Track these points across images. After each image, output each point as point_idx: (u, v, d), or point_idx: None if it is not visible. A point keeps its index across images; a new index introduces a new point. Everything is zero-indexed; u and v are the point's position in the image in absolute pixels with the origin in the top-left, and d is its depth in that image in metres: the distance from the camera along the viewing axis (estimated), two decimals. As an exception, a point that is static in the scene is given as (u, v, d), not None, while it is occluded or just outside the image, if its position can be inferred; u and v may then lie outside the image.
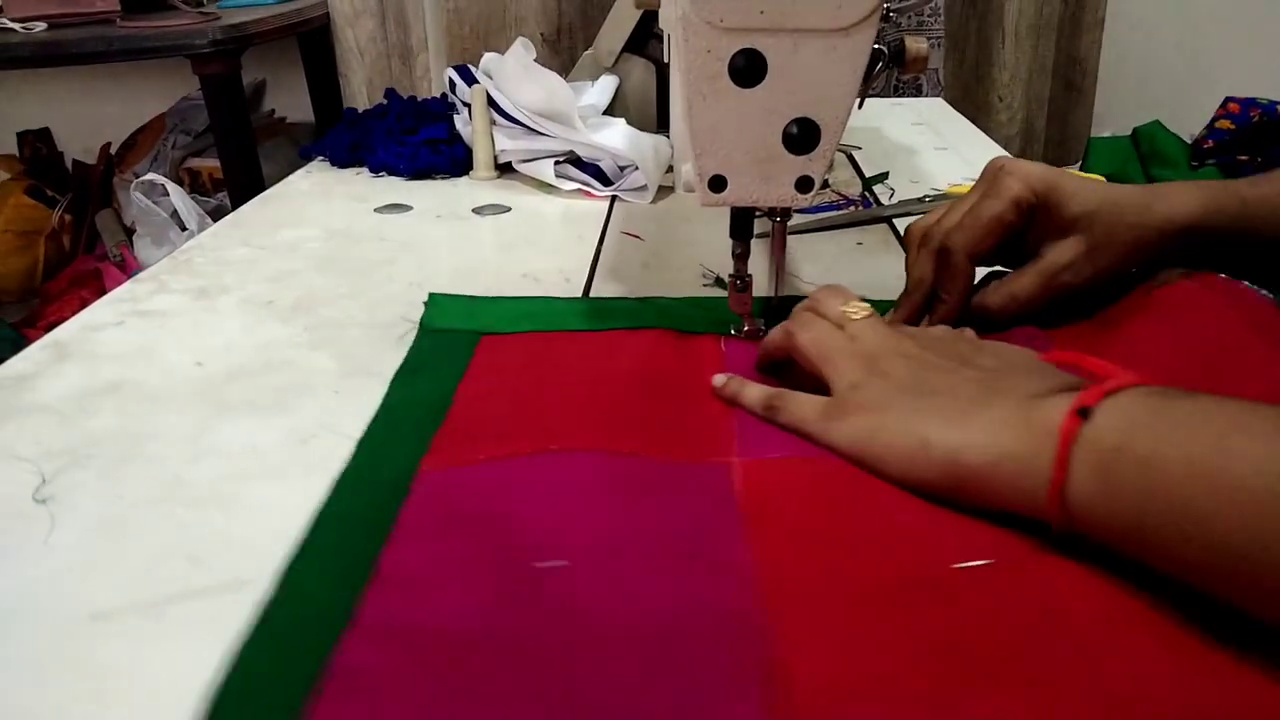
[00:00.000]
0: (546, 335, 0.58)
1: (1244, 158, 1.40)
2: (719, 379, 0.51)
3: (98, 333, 0.60)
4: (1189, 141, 1.51)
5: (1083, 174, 0.53)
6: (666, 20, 0.69)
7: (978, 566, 0.37)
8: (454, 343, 0.57)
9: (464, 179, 0.93)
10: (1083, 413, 0.36)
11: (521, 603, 0.35)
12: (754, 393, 0.49)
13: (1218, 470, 0.32)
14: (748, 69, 0.49)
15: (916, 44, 0.58)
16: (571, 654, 0.33)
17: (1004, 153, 1.02)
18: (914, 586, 0.36)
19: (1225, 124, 1.43)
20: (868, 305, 0.50)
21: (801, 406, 0.47)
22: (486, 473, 0.44)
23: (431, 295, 0.63)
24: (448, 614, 0.35)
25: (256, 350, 0.57)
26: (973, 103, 2.01)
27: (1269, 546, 0.30)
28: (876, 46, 0.54)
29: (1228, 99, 1.45)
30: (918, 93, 1.83)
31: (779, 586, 0.36)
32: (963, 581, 0.36)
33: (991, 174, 0.54)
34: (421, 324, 0.59)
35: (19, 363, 0.56)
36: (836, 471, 0.44)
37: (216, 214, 1.82)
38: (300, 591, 0.37)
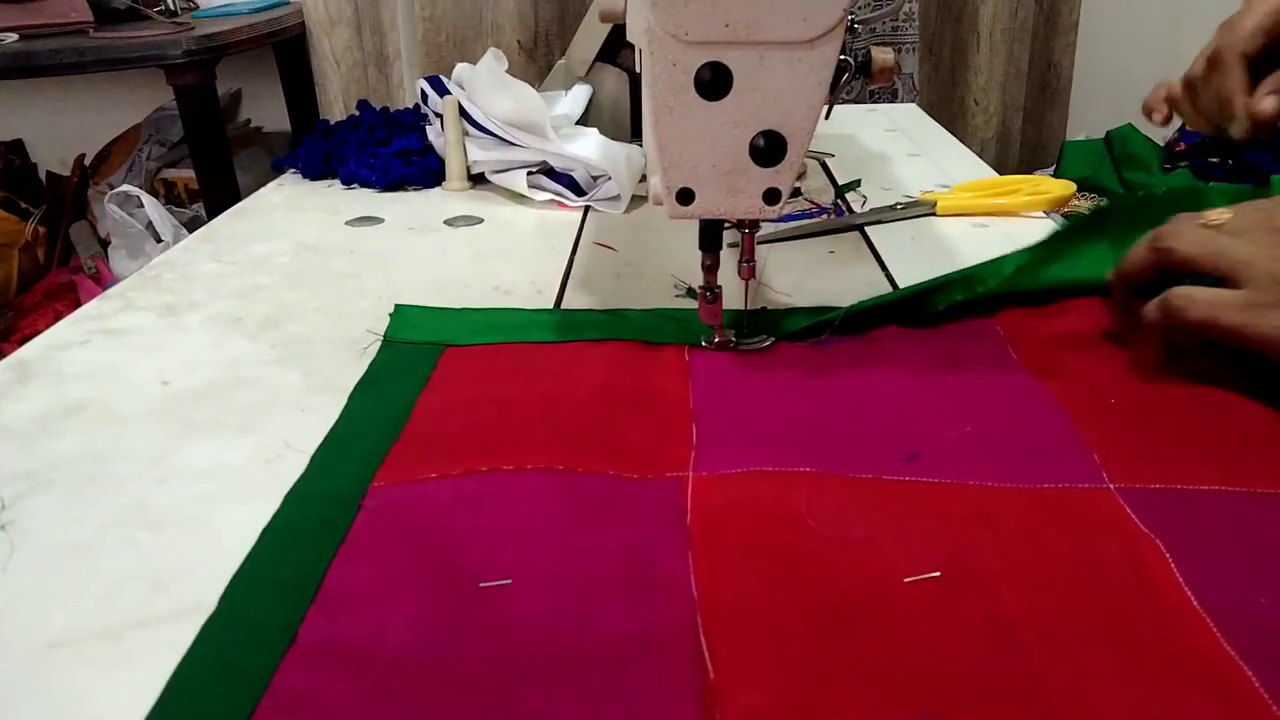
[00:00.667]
0: (510, 347, 0.57)
1: (1215, 160, 1.41)
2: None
3: (63, 352, 0.59)
4: (1162, 145, 1.52)
5: None
6: (633, 33, 0.69)
7: (927, 579, 0.37)
8: (416, 355, 0.56)
9: (437, 190, 0.92)
10: None
11: (463, 623, 0.35)
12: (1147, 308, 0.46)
13: None
14: (713, 82, 0.49)
15: (883, 55, 0.58)
16: (511, 673, 0.33)
17: (976, 159, 1.03)
18: (860, 604, 0.36)
19: (1197, 127, 1.44)
20: (1223, 211, 0.48)
21: (1217, 297, 0.44)
22: (437, 490, 0.43)
23: (397, 306, 0.62)
24: (389, 634, 0.35)
25: (223, 367, 0.56)
26: (948, 107, 2.02)
27: None
28: (843, 58, 0.54)
29: (1200, 102, 1.46)
30: (893, 98, 1.83)
31: (718, 607, 0.36)
32: (910, 597, 0.36)
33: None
34: (385, 336, 0.59)
35: (-18, 383, 0.55)
36: (793, 482, 0.43)
37: (192, 225, 1.81)
38: (240, 611, 0.36)
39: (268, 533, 0.41)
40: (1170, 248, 0.48)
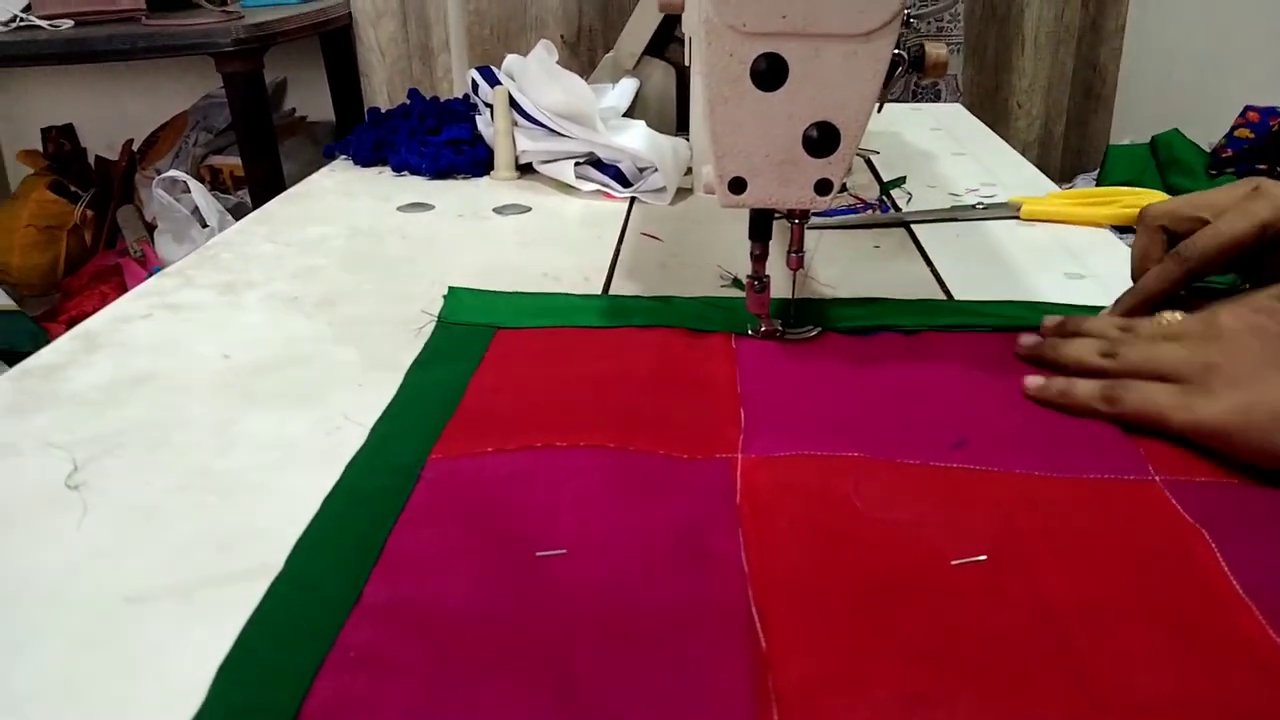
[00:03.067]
0: (560, 331, 0.59)
1: (1263, 167, 1.40)
2: (1035, 381, 0.50)
3: (127, 324, 0.61)
4: (1208, 150, 1.51)
5: None
6: (689, 24, 0.70)
7: (974, 563, 0.38)
8: (469, 336, 0.58)
9: (485, 179, 0.94)
10: None
11: (521, 588, 0.37)
12: (1086, 388, 0.48)
13: None
14: (769, 73, 0.50)
15: (936, 49, 0.58)
16: (568, 638, 0.34)
17: (1021, 159, 1.03)
18: (907, 584, 0.37)
19: (1245, 133, 1.43)
20: (1176, 313, 0.50)
21: (1150, 391, 0.46)
22: (493, 464, 0.45)
23: (451, 289, 0.64)
24: (449, 596, 0.36)
25: (282, 344, 0.58)
26: (991, 109, 2.01)
27: None
28: (896, 52, 0.54)
29: (1247, 108, 1.45)
30: (936, 98, 1.83)
31: (768, 583, 0.37)
32: (957, 578, 0.37)
33: (1249, 189, 0.53)
34: (440, 317, 0.60)
35: (50, 353, 0.57)
36: (841, 467, 0.44)
37: (237, 211, 1.83)
38: (305, 573, 0.38)
39: (330, 499, 0.42)
40: (1116, 354, 0.50)
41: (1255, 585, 0.36)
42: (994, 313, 0.60)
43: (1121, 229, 0.78)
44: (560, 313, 0.61)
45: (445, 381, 0.52)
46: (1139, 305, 0.56)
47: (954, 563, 0.38)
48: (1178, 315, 0.50)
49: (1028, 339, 0.55)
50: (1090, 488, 0.43)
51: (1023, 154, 1.07)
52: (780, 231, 0.59)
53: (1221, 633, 0.34)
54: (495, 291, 0.64)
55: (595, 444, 0.46)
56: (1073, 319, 0.56)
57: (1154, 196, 0.80)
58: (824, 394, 0.52)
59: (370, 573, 0.37)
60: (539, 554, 0.38)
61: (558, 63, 0.88)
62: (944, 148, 1.05)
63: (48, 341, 0.59)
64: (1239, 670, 0.33)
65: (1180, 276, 0.54)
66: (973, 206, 0.82)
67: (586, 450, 0.45)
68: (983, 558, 0.38)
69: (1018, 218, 0.80)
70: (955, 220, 0.80)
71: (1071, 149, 2.11)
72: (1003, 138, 1.14)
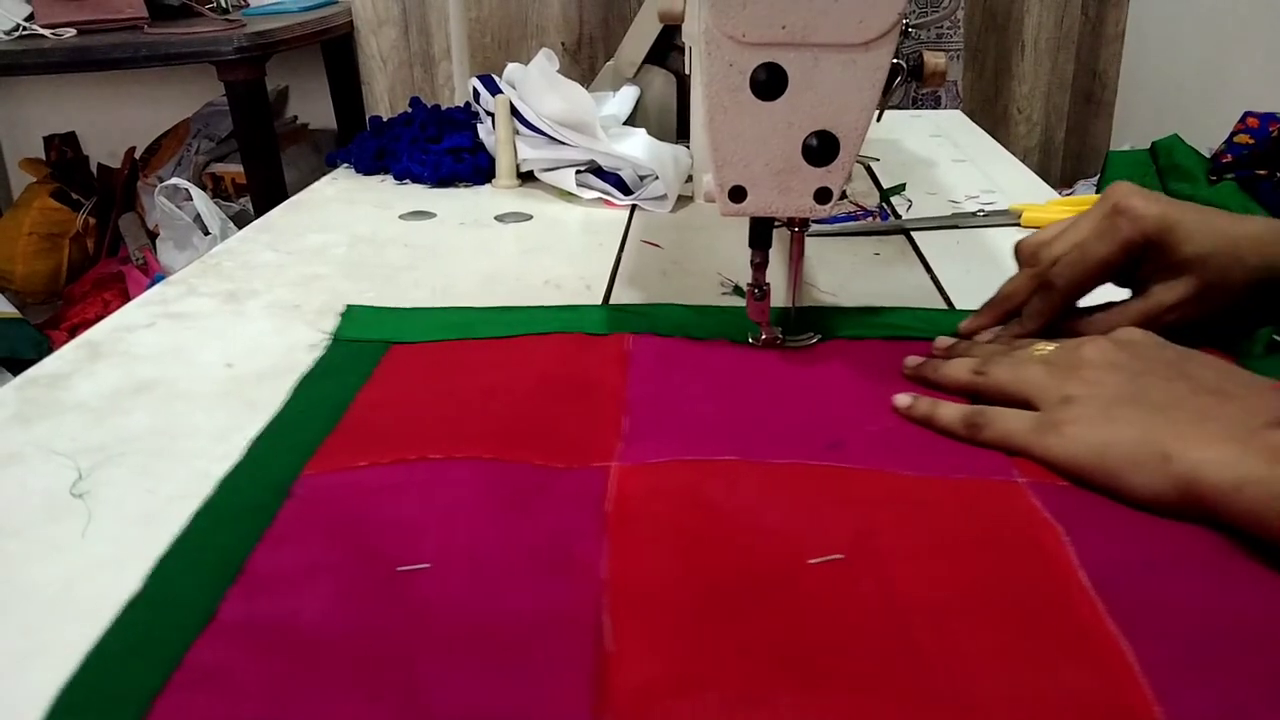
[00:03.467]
0: (456, 344, 0.58)
1: (1263, 172, 1.41)
2: (904, 399, 0.50)
3: (130, 334, 0.61)
4: (1208, 155, 1.51)
5: (1204, 209, 0.52)
6: (689, 34, 0.70)
7: (830, 561, 0.38)
8: (362, 352, 0.57)
9: (486, 187, 0.94)
10: None
11: (378, 605, 0.36)
12: (950, 412, 0.48)
13: None
14: (769, 82, 0.50)
15: (935, 59, 0.59)
16: (418, 653, 0.34)
17: (1021, 166, 1.03)
18: (763, 584, 0.37)
19: (1244, 138, 1.43)
20: (1050, 342, 0.51)
21: (1009, 421, 0.46)
22: (365, 478, 0.44)
23: (348, 306, 0.63)
24: (304, 614, 0.36)
25: (284, 352, 0.58)
26: (991, 115, 2.01)
27: None
28: (895, 61, 0.55)
29: (1247, 113, 1.45)
30: (936, 105, 1.83)
31: (624, 589, 0.37)
32: (812, 578, 0.38)
33: (1108, 208, 0.53)
34: (334, 335, 0.60)
35: (54, 362, 0.57)
36: (714, 470, 0.45)
37: (239, 219, 1.84)
38: (163, 591, 0.37)
39: (198, 517, 0.42)
40: (986, 373, 0.50)
41: (1104, 579, 0.37)
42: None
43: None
44: (457, 326, 0.60)
45: (331, 397, 0.52)
46: (999, 316, 0.57)
47: (811, 562, 0.38)
48: (1050, 346, 0.51)
49: (912, 360, 0.55)
50: (955, 487, 0.44)
51: (1023, 160, 1.08)
52: (780, 240, 0.60)
53: (1062, 627, 0.35)
54: (393, 308, 0.64)
55: (470, 456, 0.46)
56: (962, 342, 0.56)
57: None
58: (710, 398, 0.52)
59: (227, 591, 0.37)
60: (400, 569, 0.38)
61: (558, 71, 0.89)
62: (944, 155, 1.05)
63: (50, 348, 0.59)
64: (1071, 663, 0.33)
65: (1054, 306, 0.54)
66: (973, 214, 0.83)
67: (461, 462, 0.45)
68: (839, 556, 0.39)
69: (1018, 225, 0.81)
70: (956, 228, 0.81)
71: (1072, 155, 2.11)
72: (1003, 144, 1.15)
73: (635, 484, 0.44)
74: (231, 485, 0.44)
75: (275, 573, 0.38)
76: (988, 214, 0.82)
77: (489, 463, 0.45)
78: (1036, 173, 1.00)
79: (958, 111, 1.32)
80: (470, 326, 0.60)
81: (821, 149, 0.52)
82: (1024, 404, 0.48)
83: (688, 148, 0.92)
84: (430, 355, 0.57)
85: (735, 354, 0.57)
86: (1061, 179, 2.09)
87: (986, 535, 0.40)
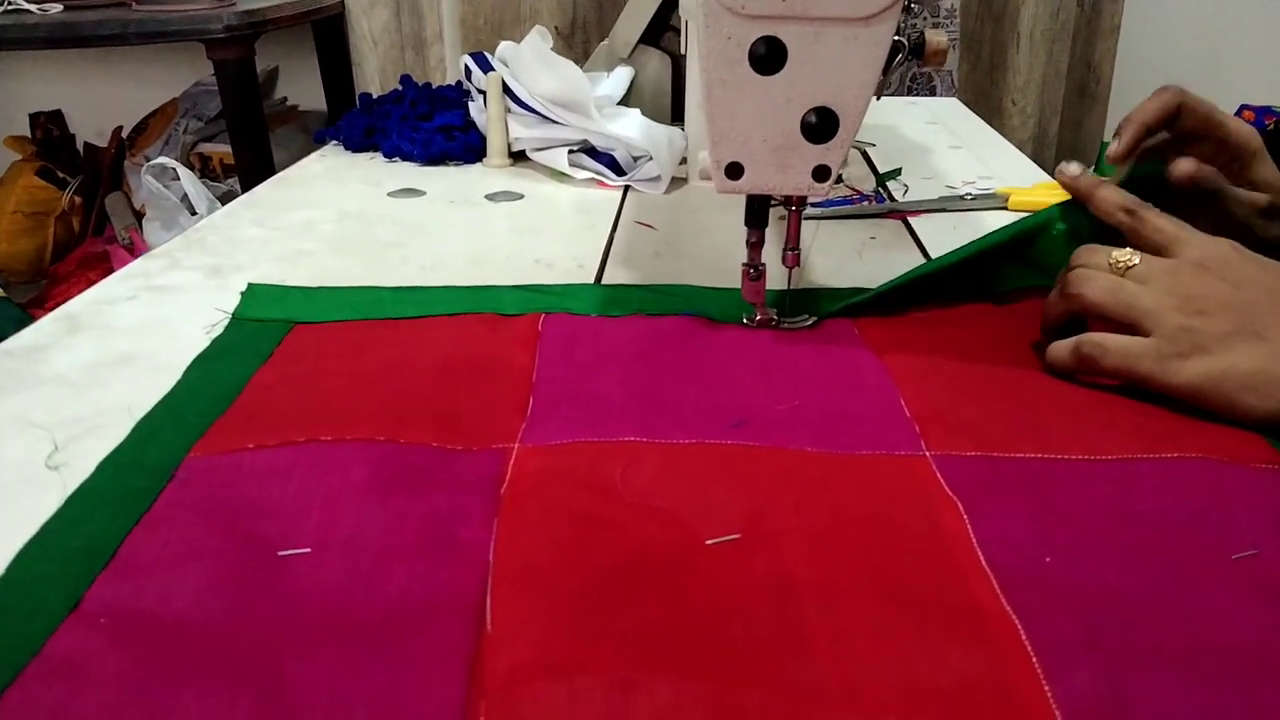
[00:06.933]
0: (361, 324, 0.57)
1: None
2: (1073, 168, 0.54)
3: (110, 306, 0.60)
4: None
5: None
6: (687, 7, 0.69)
7: (726, 542, 0.38)
8: (261, 332, 0.55)
9: (477, 166, 0.93)
10: None
11: (251, 591, 0.35)
12: (1060, 348, 0.50)
13: None
14: (768, 57, 0.49)
15: (937, 37, 0.58)
16: (287, 641, 0.33)
17: (1017, 153, 1.02)
18: (653, 566, 0.36)
19: (1239, 132, 1.43)
20: (1133, 250, 0.50)
21: (1129, 347, 0.47)
22: (251, 460, 0.43)
23: (250, 285, 0.61)
24: (173, 600, 0.35)
25: (269, 327, 0.57)
26: (986, 106, 2.00)
27: None
28: (897, 38, 0.54)
29: (1243, 106, 1.45)
30: (932, 94, 1.82)
31: (509, 572, 0.36)
32: (705, 559, 0.37)
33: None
34: (234, 314, 0.58)
35: (30, 334, 0.56)
36: (613, 450, 0.44)
37: (226, 199, 1.81)
38: (24, 578, 0.36)
39: (70, 501, 0.40)
40: (1080, 294, 0.50)
41: (1000, 557, 0.37)
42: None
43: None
44: (360, 306, 0.59)
45: (224, 378, 0.50)
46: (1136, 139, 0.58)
47: (709, 542, 0.38)
48: (1135, 257, 0.50)
49: (1072, 168, 0.58)
50: (857, 463, 0.43)
51: (1018, 151, 1.07)
52: (775, 223, 0.59)
53: (955, 606, 0.35)
54: (297, 287, 0.62)
55: (363, 438, 0.44)
56: (1086, 178, 0.57)
57: None
58: (617, 378, 0.51)
59: (95, 578, 0.36)
60: (281, 553, 0.37)
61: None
62: (940, 141, 1.04)
63: (32, 326, 0.58)
64: (961, 643, 0.33)
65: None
66: (961, 197, 0.82)
67: (352, 444, 0.44)
68: (736, 536, 0.38)
69: (1005, 208, 0.80)
70: (945, 211, 0.80)
71: (1066, 147, 2.11)
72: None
73: (533, 465, 0.43)
74: (111, 467, 0.42)
75: (149, 559, 0.37)
76: (975, 197, 0.82)
77: (382, 444, 0.44)
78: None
79: (954, 99, 1.31)
80: (378, 306, 0.59)
81: (821, 126, 0.50)
82: (1127, 328, 0.48)
83: (682, 129, 0.90)
84: (334, 335, 0.55)
85: (648, 334, 0.55)
86: (1055, 170, 2.08)
87: (884, 513, 0.40)
